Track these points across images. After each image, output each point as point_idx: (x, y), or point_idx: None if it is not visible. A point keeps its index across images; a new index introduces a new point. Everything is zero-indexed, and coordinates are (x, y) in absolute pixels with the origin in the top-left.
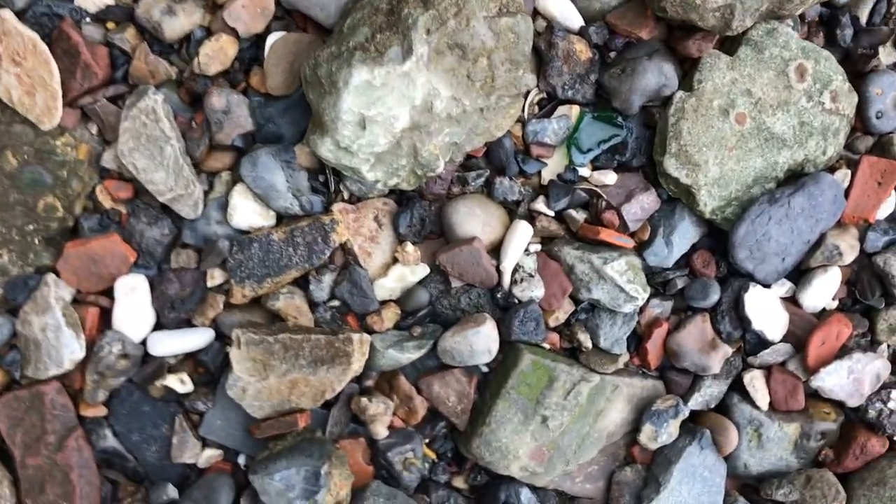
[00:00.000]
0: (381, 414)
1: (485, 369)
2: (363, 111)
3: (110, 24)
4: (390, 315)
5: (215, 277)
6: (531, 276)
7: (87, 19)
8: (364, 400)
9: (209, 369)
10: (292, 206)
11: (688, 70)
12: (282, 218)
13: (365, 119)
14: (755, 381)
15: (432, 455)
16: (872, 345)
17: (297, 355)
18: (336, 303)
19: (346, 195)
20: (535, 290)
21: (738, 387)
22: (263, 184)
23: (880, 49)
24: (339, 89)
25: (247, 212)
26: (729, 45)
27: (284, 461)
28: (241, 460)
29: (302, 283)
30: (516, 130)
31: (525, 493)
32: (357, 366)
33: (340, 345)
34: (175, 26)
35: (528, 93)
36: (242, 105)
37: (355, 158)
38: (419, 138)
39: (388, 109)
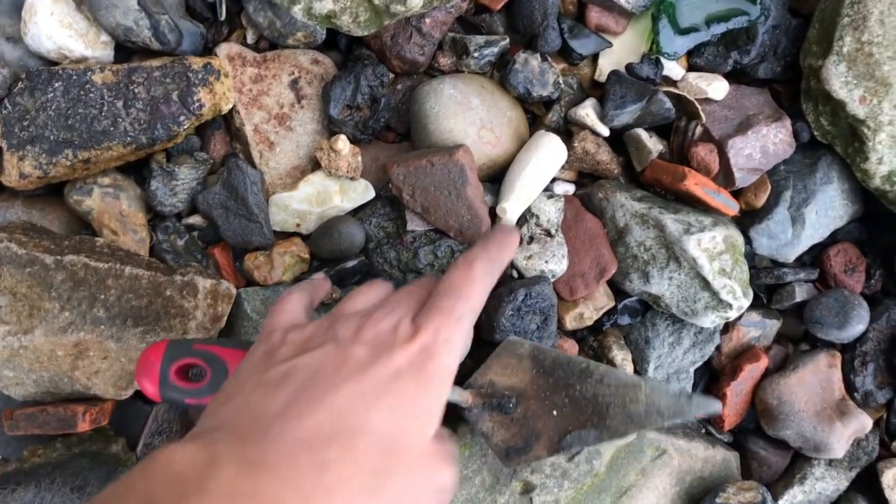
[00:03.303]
0: None
1: None
2: None
3: None
4: (289, 259)
5: None
6: (549, 234)
7: None
8: None
9: None
10: (139, 28)
11: None
12: (125, 52)
13: None
14: None
15: None
16: None
17: (93, 299)
18: (196, 220)
19: (249, 35)
20: (551, 261)
21: (868, 485)
22: None
23: None
24: None
25: (55, 24)
26: None
27: (34, 488)
28: None
29: (139, 173)
30: None
31: None
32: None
33: (174, 293)
34: None
35: None
36: None
37: None
38: None
39: None
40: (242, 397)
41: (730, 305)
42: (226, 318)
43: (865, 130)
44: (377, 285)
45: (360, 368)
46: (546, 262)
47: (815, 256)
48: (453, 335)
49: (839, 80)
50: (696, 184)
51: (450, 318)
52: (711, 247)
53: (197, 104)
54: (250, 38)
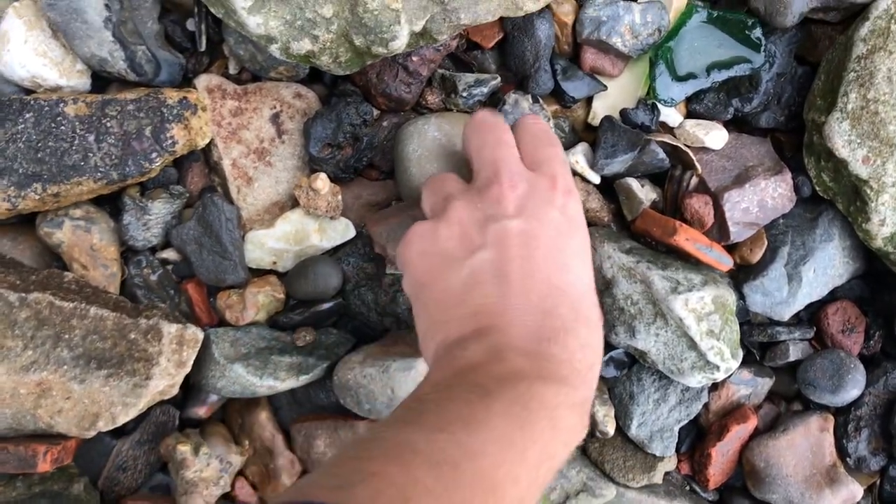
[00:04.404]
0: (207, 479)
1: None
2: None
3: None
4: (263, 298)
5: None
6: None
7: None
8: (180, 445)
9: None
10: (113, 59)
11: None
12: (103, 82)
13: None
14: None
15: None
16: None
17: (57, 339)
18: (171, 255)
19: (231, 66)
20: None
21: None
22: (64, 4)
23: None
24: None
25: (29, 52)
26: None
27: None
28: None
29: (114, 204)
30: (564, 11)
31: None
32: (163, 384)
33: (139, 336)
34: None
35: None
36: None
37: None
38: None
39: None
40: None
41: (717, 367)
42: (191, 362)
43: (868, 191)
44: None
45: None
46: None
47: (812, 313)
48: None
49: (842, 138)
50: (688, 239)
51: (561, 160)
52: (699, 307)
53: (170, 141)
54: (232, 69)
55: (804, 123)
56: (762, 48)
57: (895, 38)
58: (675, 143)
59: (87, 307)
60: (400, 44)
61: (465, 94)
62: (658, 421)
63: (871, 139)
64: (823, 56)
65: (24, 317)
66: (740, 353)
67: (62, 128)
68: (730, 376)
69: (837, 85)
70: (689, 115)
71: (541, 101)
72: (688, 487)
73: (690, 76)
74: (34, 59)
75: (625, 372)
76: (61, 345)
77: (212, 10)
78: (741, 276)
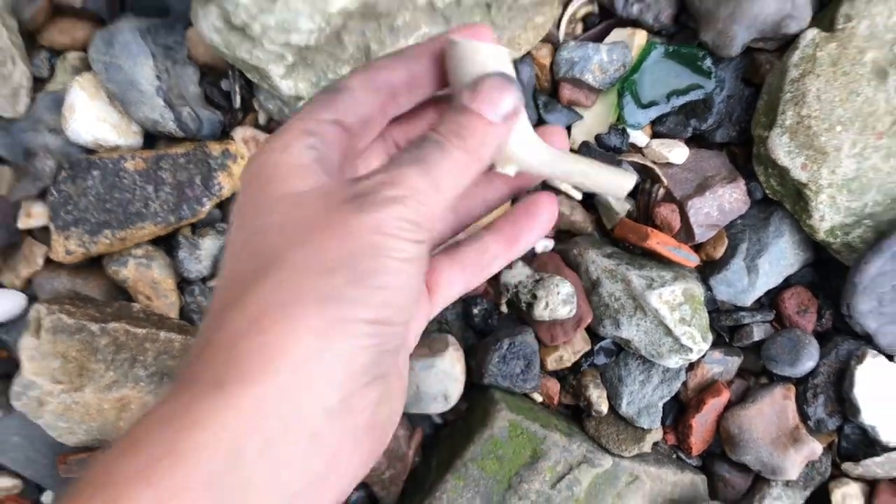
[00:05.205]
0: None
1: (437, 421)
2: None
3: None
4: None
5: (33, 215)
6: (532, 293)
7: None
8: None
9: (12, 354)
10: (164, 119)
11: None
12: (153, 138)
13: None
14: (850, 501)
15: None
16: None
17: (134, 360)
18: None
19: (261, 117)
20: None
21: (820, 503)
22: (121, 77)
23: None
24: None
25: (92, 119)
26: None
27: None
28: (47, 500)
29: (168, 244)
30: (543, 55)
31: None
32: None
33: None
34: None
35: None
36: None
37: (259, 50)
38: (375, 33)
39: None
40: None
41: (690, 350)
42: None
43: (808, 192)
44: None
45: None
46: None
47: (771, 298)
48: None
49: (783, 149)
50: (659, 242)
51: None
52: (671, 299)
53: (217, 187)
54: (262, 120)
55: (752, 137)
56: (712, 75)
57: (821, 63)
58: (643, 162)
59: (157, 332)
60: None
61: None
62: (644, 399)
63: (807, 149)
64: (765, 79)
65: (104, 343)
66: (710, 337)
67: (125, 181)
68: (703, 357)
69: (776, 104)
70: (655, 135)
71: None
72: (675, 455)
73: (653, 103)
74: (96, 124)
75: (613, 359)
76: (137, 365)
77: (247, 75)
78: (707, 270)
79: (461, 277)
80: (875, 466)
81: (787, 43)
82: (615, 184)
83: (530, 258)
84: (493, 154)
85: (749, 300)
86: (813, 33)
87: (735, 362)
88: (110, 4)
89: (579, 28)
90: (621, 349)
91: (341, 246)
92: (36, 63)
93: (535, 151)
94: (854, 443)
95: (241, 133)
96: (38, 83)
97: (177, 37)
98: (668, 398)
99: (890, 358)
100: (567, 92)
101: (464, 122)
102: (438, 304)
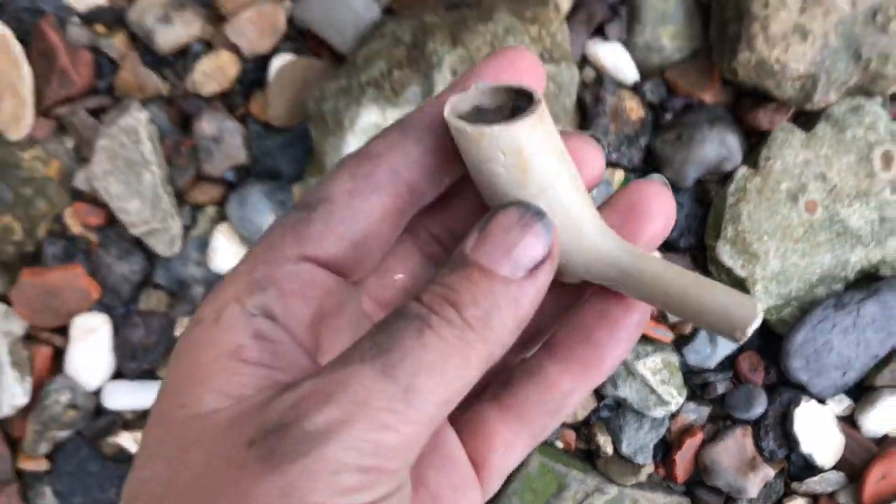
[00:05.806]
0: None
1: None
2: None
3: (100, 28)
4: None
5: (184, 326)
6: None
7: (76, 19)
8: None
9: None
10: None
11: (754, 144)
12: None
13: None
14: None
15: None
16: None
17: None
18: None
19: None
20: None
21: None
22: (251, 226)
23: None
24: (343, 129)
25: (230, 256)
26: (805, 120)
27: None
28: None
29: None
30: None
31: None
32: None
33: None
34: (170, 36)
35: None
36: (236, 134)
37: None
38: None
39: None
40: None
41: (670, 403)
42: None
43: (748, 284)
44: None
45: None
46: None
47: (730, 361)
48: None
49: (727, 255)
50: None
51: None
52: (654, 366)
53: None
54: None
55: (706, 245)
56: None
57: (750, 192)
58: None
59: None
60: None
61: None
62: (639, 441)
63: (743, 254)
64: (712, 202)
65: None
66: (685, 392)
67: None
68: (681, 408)
69: (720, 222)
70: None
71: None
72: (665, 484)
73: None
74: (233, 259)
75: (614, 412)
76: None
77: None
78: (680, 342)
79: (523, 432)
80: (815, 484)
81: (726, 176)
82: (733, 316)
83: None
84: (518, 328)
85: (713, 364)
86: (743, 170)
87: (706, 411)
88: (240, 173)
89: None
90: (620, 405)
91: None
92: (183, 215)
93: (605, 258)
94: (798, 467)
95: None
96: (185, 230)
97: (287, 194)
98: (656, 440)
99: (820, 402)
100: None
101: (460, 283)
102: (494, 480)
